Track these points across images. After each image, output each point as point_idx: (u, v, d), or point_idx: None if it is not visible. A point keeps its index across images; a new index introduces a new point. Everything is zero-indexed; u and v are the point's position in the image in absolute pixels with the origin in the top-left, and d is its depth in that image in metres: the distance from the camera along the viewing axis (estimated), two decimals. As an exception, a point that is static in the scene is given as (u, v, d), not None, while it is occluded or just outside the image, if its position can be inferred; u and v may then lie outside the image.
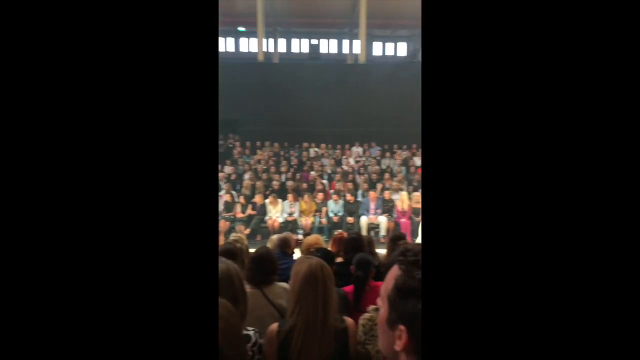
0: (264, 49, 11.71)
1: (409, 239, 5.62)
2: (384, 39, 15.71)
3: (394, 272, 0.58)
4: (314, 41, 14.54)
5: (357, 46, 11.77)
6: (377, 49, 15.80)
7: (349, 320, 1.28)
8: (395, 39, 15.64)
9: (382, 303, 0.60)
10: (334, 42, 15.80)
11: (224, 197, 6.63)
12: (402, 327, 0.53)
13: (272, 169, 8.10)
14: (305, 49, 14.72)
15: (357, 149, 9.40)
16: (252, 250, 2.30)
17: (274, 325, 1.26)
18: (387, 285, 0.58)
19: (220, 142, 8.93)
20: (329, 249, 3.10)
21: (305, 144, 9.48)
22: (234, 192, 6.93)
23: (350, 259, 2.19)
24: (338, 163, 8.71)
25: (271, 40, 14.83)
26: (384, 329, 0.58)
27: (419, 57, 11.13)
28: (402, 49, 15.51)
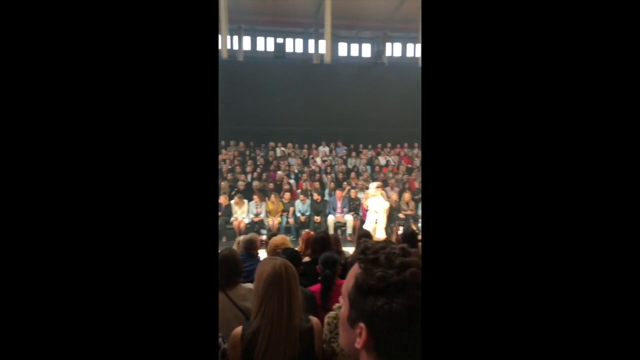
0: (228, 47, 11.45)
1: (374, 236, 5.74)
2: (349, 40, 15.91)
3: (354, 270, 0.58)
4: (280, 40, 14.41)
5: (323, 46, 11.84)
6: (342, 49, 15.97)
7: (314, 319, 1.28)
8: (360, 40, 15.89)
9: (343, 301, 0.60)
10: (299, 42, 15.78)
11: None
12: (362, 324, 0.54)
13: (238, 168, 7.94)
14: (271, 47, 14.58)
15: (324, 149, 9.45)
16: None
17: (238, 329, 1.23)
18: (347, 283, 0.59)
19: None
20: (298, 248, 3.09)
21: (272, 144, 9.39)
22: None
23: (318, 258, 2.20)
24: (305, 162, 8.70)
25: (235, 38, 14.54)
26: (345, 327, 0.58)
27: (383, 59, 11.38)
28: (367, 50, 15.79)
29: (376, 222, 5.49)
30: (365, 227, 5.46)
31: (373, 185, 5.61)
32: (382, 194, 5.70)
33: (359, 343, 0.54)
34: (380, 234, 5.41)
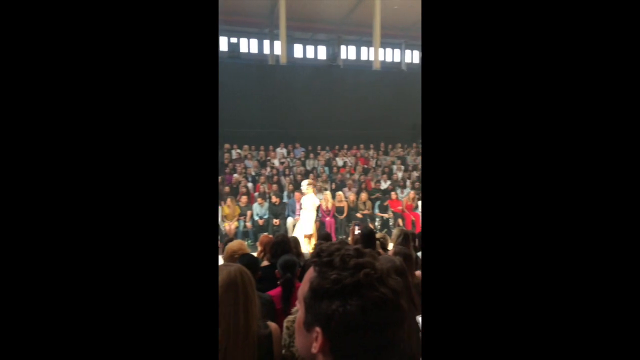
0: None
1: (333, 237, 5.80)
2: (305, 42, 15.97)
3: (309, 273, 0.57)
4: (234, 40, 14.09)
5: (278, 47, 11.76)
6: (298, 51, 15.99)
7: (272, 325, 1.26)
8: (316, 42, 16.02)
9: (299, 305, 0.59)
10: (254, 42, 15.54)
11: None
12: (317, 328, 0.53)
13: (192, 172, 7.62)
14: (224, 47, 14.20)
15: (282, 150, 9.38)
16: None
17: (193, 341, 1.18)
18: (303, 287, 0.58)
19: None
20: (256, 253, 3.02)
21: (227, 145, 9.14)
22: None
23: (277, 262, 2.17)
24: (262, 165, 8.58)
25: (187, 36, 13.97)
26: (301, 331, 0.57)
27: (339, 61, 11.56)
28: (323, 53, 15.96)
29: (307, 219, 5.54)
30: (299, 225, 5.51)
31: (305, 183, 5.67)
32: (313, 191, 5.78)
33: (315, 347, 0.53)
34: (308, 230, 5.47)
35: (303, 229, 5.57)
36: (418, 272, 2.30)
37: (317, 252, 0.58)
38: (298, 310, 0.60)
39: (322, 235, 3.40)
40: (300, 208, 5.75)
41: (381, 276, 0.53)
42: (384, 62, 13.75)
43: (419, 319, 1.02)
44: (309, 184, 5.58)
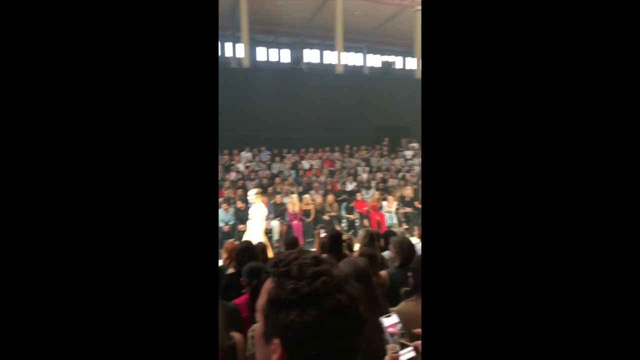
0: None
1: (301, 240, 5.79)
2: (268, 45, 15.87)
3: (267, 284, 0.57)
4: (194, 41, 13.69)
5: (241, 50, 11.59)
6: (261, 54, 15.85)
7: (236, 336, 1.23)
8: (279, 46, 15.96)
9: (258, 317, 0.58)
10: (216, 44, 15.23)
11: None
12: (276, 340, 0.53)
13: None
14: (185, 49, 13.75)
15: (247, 154, 9.23)
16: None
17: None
18: (261, 298, 0.57)
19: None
20: (222, 260, 2.94)
21: (190, 151, 8.84)
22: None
23: (242, 270, 2.12)
24: (226, 169, 8.39)
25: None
26: (261, 342, 0.56)
27: (302, 65, 11.58)
28: (286, 56, 15.94)
29: (254, 231, 5.31)
30: (247, 237, 5.20)
31: (252, 193, 5.43)
32: (262, 200, 5.56)
33: (274, 359, 0.53)
34: (258, 239, 5.20)
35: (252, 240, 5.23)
36: (383, 272, 2.35)
37: (275, 262, 0.58)
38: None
39: (289, 240, 3.37)
40: (248, 219, 5.50)
41: (339, 283, 0.54)
42: (346, 66, 13.96)
43: (384, 319, 1.04)
44: (256, 194, 5.35)
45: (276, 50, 15.83)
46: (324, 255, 0.59)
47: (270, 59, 15.97)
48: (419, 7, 11.81)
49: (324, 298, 0.52)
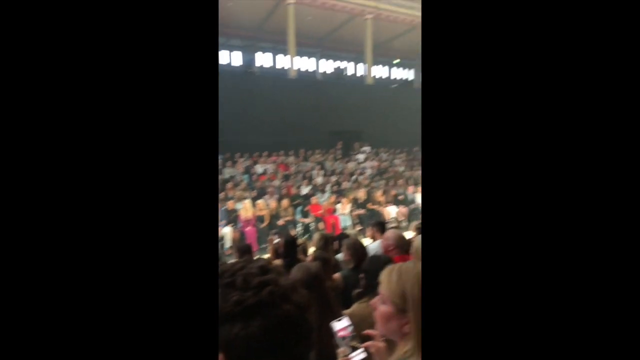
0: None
1: (254, 246, 5.67)
2: (219, 47, 15.46)
3: (210, 297, 0.54)
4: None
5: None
6: (211, 55, 15.40)
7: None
8: (230, 48, 15.60)
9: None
10: (162, 44, 14.49)
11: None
12: (220, 355, 0.50)
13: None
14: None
15: (197, 159, 8.87)
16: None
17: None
18: (204, 313, 0.54)
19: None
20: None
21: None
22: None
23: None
24: (175, 175, 8.00)
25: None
26: None
27: (254, 68, 11.42)
28: (238, 59, 15.62)
29: None
30: None
31: None
32: None
33: (218, 376, 0.50)
34: None
35: None
36: (337, 275, 2.37)
37: (220, 273, 0.56)
38: None
39: (242, 247, 3.27)
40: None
41: (285, 292, 0.53)
42: (299, 71, 14.03)
43: (335, 323, 1.05)
44: None
45: (227, 52, 15.46)
46: (275, 262, 0.58)
47: (221, 62, 15.56)
48: (370, 16, 12.22)
49: (269, 308, 0.51)
